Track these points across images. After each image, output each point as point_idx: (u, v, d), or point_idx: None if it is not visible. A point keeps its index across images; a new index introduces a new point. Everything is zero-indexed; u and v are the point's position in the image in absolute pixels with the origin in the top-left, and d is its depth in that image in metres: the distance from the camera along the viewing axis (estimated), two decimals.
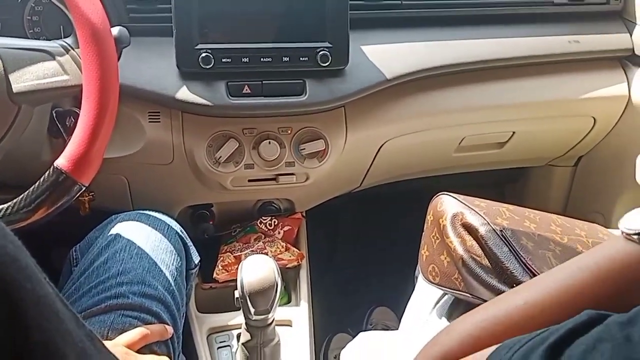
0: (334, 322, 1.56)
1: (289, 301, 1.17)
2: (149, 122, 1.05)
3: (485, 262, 0.79)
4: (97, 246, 0.93)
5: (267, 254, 1.15)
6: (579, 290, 0.52)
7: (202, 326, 1.10)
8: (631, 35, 1.24)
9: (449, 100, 1.18)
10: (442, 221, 0.84)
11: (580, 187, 1.56)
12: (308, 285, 1.17)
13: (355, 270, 1.71)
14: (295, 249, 1.19)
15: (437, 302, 0.89)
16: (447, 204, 0.86)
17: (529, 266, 0.76)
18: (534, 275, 0.74)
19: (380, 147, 1.21)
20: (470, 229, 0.81)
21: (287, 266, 1.17)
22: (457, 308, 0.87)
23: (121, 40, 0.87)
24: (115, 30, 0.85)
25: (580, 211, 1.52)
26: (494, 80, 1.19)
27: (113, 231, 0.95)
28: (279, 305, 1.14)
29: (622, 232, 0.53)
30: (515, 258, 0.77)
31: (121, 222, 0.97)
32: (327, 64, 1.03)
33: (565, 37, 1.21)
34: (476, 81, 1.18)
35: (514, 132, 1.30)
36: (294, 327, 1.09)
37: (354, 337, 1.55)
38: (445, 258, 0.84)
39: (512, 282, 0.76)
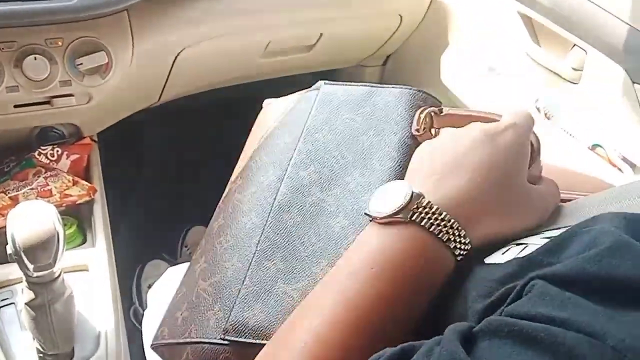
0: (147, 249, 1.45)
1: (84, 242, 1.02)
2: None
3: None
4: None
5: (51, 192, 0.99)
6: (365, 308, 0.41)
7: None
8: None
9: None
10: None
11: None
12: (105, 221, 1.02)
13: (166, 192, 1.57)
14: (85, 182, 1.03)
15: None
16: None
17: None
18: None
19: (177, 56, 1.07)
20: None
21: (77, 202, 1.01)
22: None
23: None
24: None
25: None
26: None
27: None
28: (72, 248, 0.99)
29: (375, 218, 0.43)
30: None
31: None
32: None
33: None
34: None
35: (321, 34, 1.23)
36: (91, 271, 0.95)
37: (168, 262, 1.46)
38: None
39: None
